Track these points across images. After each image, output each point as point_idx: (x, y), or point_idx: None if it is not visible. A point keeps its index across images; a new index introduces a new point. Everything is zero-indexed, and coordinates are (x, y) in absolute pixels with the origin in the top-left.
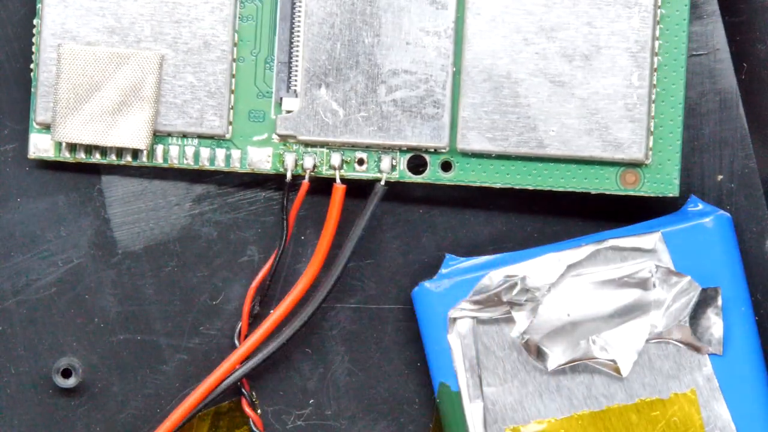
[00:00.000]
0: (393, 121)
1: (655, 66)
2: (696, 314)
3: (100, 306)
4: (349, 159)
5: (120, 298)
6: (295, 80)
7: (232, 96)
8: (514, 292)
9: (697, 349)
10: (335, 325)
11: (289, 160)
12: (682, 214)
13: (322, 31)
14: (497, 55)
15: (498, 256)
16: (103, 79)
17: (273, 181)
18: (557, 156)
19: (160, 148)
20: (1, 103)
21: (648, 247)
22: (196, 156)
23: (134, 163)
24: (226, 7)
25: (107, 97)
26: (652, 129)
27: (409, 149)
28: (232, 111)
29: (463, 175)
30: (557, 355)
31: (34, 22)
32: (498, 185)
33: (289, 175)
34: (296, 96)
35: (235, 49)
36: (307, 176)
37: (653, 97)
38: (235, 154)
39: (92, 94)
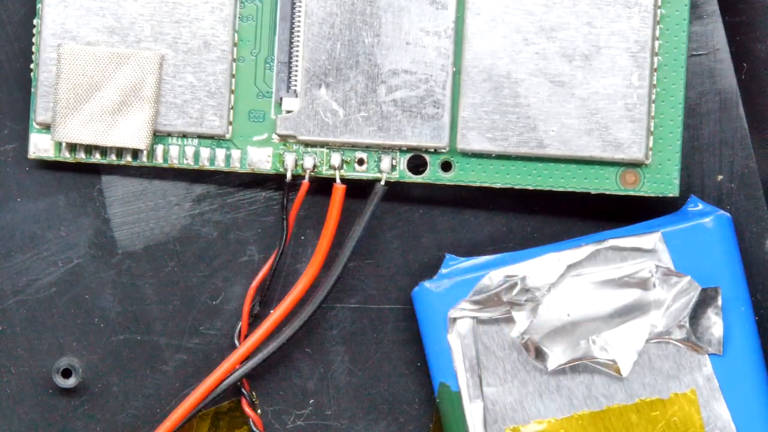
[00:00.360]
0: (393, 121)
1: (655, 66)
2: (696, 314)
3: (100, 306)
4: (349, 159)
5: (120, 298)
6: (295, 80)
7: (232, 96)
8: (514, 292)
9: (697, 349)
10: (335, 325)
11: (289, 160)
12: (682, 214)
13: (322, 31)
14: (497, 55)
15: (498, 256)
16: (103, 79)
17: (273, 181)
18: (557, 156)
19: (160, 148)
20: (1, 103)
21: (648, 247)
22: (196, 156)
23: (134, 163)
24: (226, 7)
25: (107, 97)
26: (652, 129)
27: (409, 149)
28: (232, 111)
29: (463, 175)
30: (557, 355)
31: (34, 22)
32: (498, 185)
33: (289, 175)
34: (296, 96)
35: (235, 49)
36: (307, 176)
37: (653, 97)
38: (235, 154)
39: (92, 94)
